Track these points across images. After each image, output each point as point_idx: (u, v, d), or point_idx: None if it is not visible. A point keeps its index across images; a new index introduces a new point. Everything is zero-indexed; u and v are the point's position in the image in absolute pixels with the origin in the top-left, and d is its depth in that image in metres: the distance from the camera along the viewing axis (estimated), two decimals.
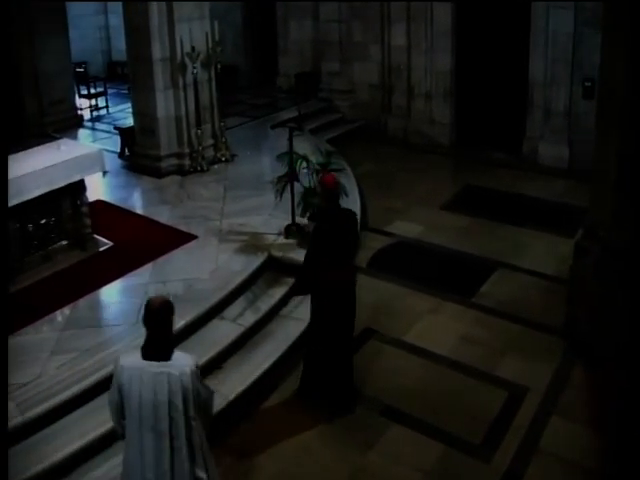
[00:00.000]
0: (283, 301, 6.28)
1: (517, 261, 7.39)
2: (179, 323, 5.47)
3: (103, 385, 4.84)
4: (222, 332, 5.70)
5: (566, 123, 10.30)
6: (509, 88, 10.80)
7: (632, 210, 5.46)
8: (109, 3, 15.50)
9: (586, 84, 9.86)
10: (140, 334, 5.21)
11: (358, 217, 5.32)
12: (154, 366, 3.38)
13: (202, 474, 3.53)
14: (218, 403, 4.98)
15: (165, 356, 3.40)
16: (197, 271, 6.36)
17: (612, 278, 5.54)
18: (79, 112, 12.10)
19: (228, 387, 5.21)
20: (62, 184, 6.42)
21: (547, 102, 10.40)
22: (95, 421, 4.66)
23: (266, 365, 5.47)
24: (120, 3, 9.31)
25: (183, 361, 3.44)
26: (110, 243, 6.94)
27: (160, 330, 3.40)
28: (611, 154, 5.55)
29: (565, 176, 9.92)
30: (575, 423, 5.03)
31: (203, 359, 5.29)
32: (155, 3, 8.63)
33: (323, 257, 4.95)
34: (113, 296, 6.16)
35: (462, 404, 5.22)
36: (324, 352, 5.12)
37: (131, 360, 3.46)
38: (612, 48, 5.48)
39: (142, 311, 3.51)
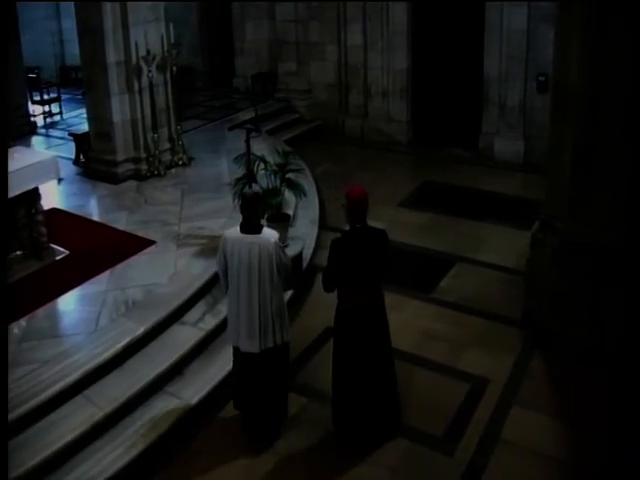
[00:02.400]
0: None
1: (476, 255, 7.49)
2: (138, 330, 5.46)
3: (64, 396, 4.84)
4: (183, 337, 5.65)
5: (521, 118, 10.47)
6: (465, 85, 10.94)
7: (586, 202, 5.58)
8: (62, 7, 15.26)
9: (540, 79, 10.05)
10: (100, 342, 5.26)
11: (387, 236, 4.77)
12: (248, 238, 4.58)
13: (278, 319, 4.70)
14: (180, 409, 5.00)
15: (256, 231, 4.61)
16: (156, 276, 6.30)
17: (568, 268, 5.64)
18: (32, 119, 11.90)
19: (190, 392, 5.18)
20: (16, 193, 6.28)
21: (502, 98, 10.56)
22: (57, 433, 4.58)
23: (228, 368, 5.41)
24: (73, 7, 9.16)
25: (269, 235, 4.63)
26: (67, 252, 6.83)
27: (252, 214, 4.62)
28: (565, 147, 5.65)
29: (521, 170, 10.10)
30: (535, 413, 5.12)
31: (164, 365, 5.29)
32: (109, 7, 8.52)
33: (344, 278, 4.61)
34: (71, 305, 6.06)
35: (424, 399, 5.27)
36: (356, 386, 4.69)
37: (233, 234, 4.67)
38: (565, 43, 5.59)
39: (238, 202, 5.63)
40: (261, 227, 4.68)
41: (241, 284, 4.63)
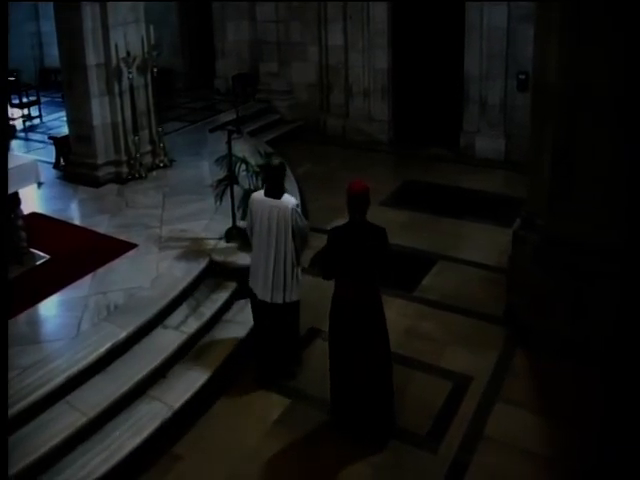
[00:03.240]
0: (226, 306, 6.26)
1: (458, 253, 7.53)
2: (121, 334, 5.43)
3: (46, 402, 4.80)
4: (165, 340, 5.63)
5: (502, 116, 10.55)
6: (446, 83, 11.00)
7: (567, 199, 5.63)
8: (41, 9, 15.14)
9: (520, 77, 10.13)
10: (82, 347, 5.24)
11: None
12: (270, 201, 5.22)
13: (290, 279, 5.30)
14: (163, 413, 4.99)
15: (277, 196, 5.22)
16: (138, 280, 6.28)
17: (550, 265, 5.69)
18: (11, 122, 11.80)
19: (173, 396, 5.16)
20: None
21: (483, 96, 10.63)
22: (40, 440, 4.54)
23: (211, 371, 5.43)
24: (52, 9, 9.09)
25: (287, 202, 5.22)
26: (47, 256, 6.77)
27: (275, 181, 5.27)
28: (546, 144, 5.71)
29: (502, 168, 10.17)
30: (518, 409, 5.14)
31: (147, 369, 5.26)
32: (89, 8, 8.47)
33: (341, 268, 4.71)
34: (52, 310, 6.02)
35: (408, 397, 5.28)
36: (350, 376, 4.79)
37: (258, 196, 5.35)
38: (544, 42, 5.65)
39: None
40: (282, 193, 5.28)
41: (262, 242, 5.30)
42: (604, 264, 5.45)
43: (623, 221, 5.45)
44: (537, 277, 5.78)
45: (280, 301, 5.27)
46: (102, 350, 5.27)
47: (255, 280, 5.39)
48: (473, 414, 5.12)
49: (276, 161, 5.54)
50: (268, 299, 5.30)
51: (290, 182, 8.57)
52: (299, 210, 5.35)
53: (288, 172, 8.90)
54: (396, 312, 6.38)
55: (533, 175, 6.07)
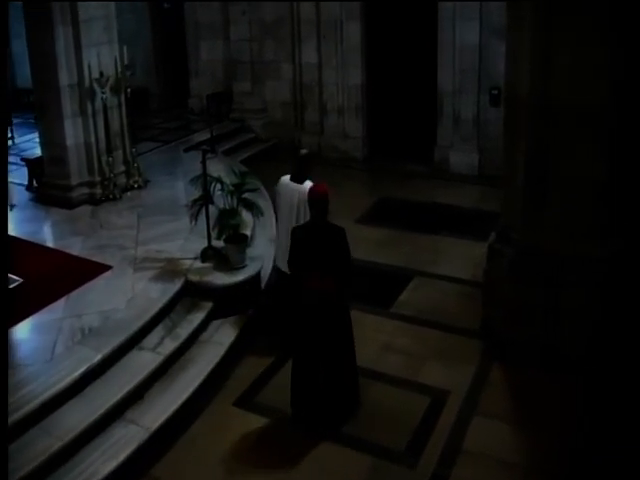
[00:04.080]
0: (202, 326, 6.22)
1: (434, 268, 7.58)
2: (96, 357, 5.37)
3: (20, 428, 4.71)
4: (142, 362, 5.58)
5: (475, 131, 10.67)
6: (419, 99, 11.11)
7: (541, 210, 5.71)
8: (13, 28, 15.01)
9: (493, 92, 10.27)
10: (56, 371, 5.17)
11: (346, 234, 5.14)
12: (293, 185, 5.99)
13: None
14: (140, 435, 4.94)
15: (300, 182, 5.92)
16: (113, 302, 6.22)
17: (526, 277, 5.74)
18: None
19: (150, 418, 5.11)
20: None
21: (456, 111, 10.76)
22: (13, 466, 4.44)
23: (188, 392, 5.40)
24: (24, 28, 9.02)
25: (307, 187, 5.62)
26: (20, 279, 6.68)
27: (300, 169, 6.02)
28: (519, 158, 5.79)
29: (476, 182, 10.27)
30: (496, 422, 5.17)
31: (123, 391, 5.21)
32: (61, 28, 8.44)
33: (306, 264, 5.09)
34: (26, 334, 5.94)
35: (386, 414, 5.29)
36: (313, 364, 5.14)
37: (285, 180, 6.12)
38: (516, 57, 5.74)
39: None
40: (305, 179, 5.93)
41: (284, 219, 6.06)
42: (579, 274, 5.52)
43: (597, 231, 5.54)
44: (513, 289, 5.84)
45: (282, 266, 5.96)
46: (77, 374, 5.21)
47: (278, 253, 6.23)
48: (451, 428, 5.13)
49: (303, 151, 6.37)
50: (283, 268, 5.91)
51: (265, 201, 8.61)
52: None
53: (263, 191, 8.99)
54: (373, 329, 6.41)
55: (507, 188, 6.14)
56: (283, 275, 5.97)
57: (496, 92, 10.11)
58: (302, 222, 5.67)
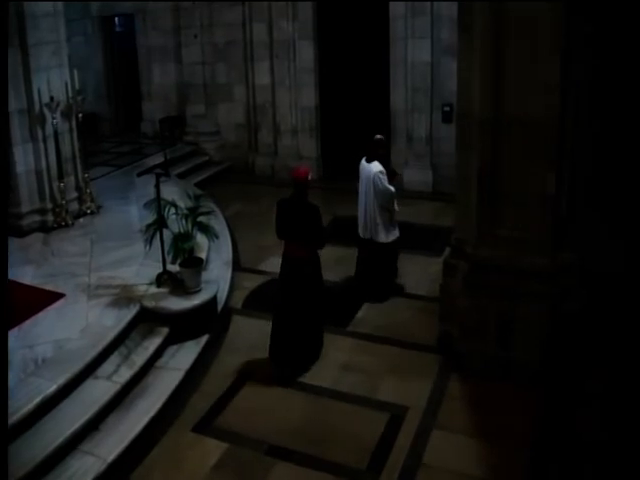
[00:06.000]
0: (159, 352, 6.16)
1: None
2: (50, 388, 5.27)
3: None
4: (97, 392, 5.49)
5: (428, 148, 10.86)
6: (373, 118, 11.22)
7: (494, 224, 5.83)
8: None
9: (445, 109, 10.46)
10: (9, 404, 5.01)
11: (319, 212, 6.04)
12: (366, 165, 7.20)
13: (373, 223, 7.32)
14: (97, 467, 4.84)
15: (370, 162, 7.13)
16: (67, 331, 6.11)
17: (480, 291, 5.84)
18: None
19: (106, 449, 5.02)
20: None
21: (409, 129, 10.93)
22: None
23: (145, 421, 5.33)
24: None
25: (373, 167, 7.09)
26: None
27: (371, 151, 7.18)
28: (471, 173, 5.89)
29: (431, 199, 10.42)
30: (454, 434, 5.24)
31: (78, 422, 5.11)
32: (9, 51, 8.28)
33: (286, 233, 6.04)
34: None
35: (346, 432, 5.30)
36: (288, 316, 6.01)
37: (363, 161, 7.24)
38: (467, 75, 5.85)
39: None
40: (373, 160, 7.12)
41: (360, 193, 7.31)
42: (532, 285, 5.63)
43: (549, 243, 5.66)
44: (467, 303, 5.92)
45: (368, 237, 7.27)
46: (31, 405, 5.09)
47: (359, 224, 7.40)
48: (411, 443, 5.17)
49: (377, 136, 7.31)
50: (361, 235, 7.34)
51: (220, 224, 8.58)
52: (381, 176, 7.07)
53: (218, 213, 9.00)
54: (331, 348, 6.42)
55: (460, 204, 6.24)
56: (362, 241, 7.37)
57: (448, 109, 10.32)
58: (370, 194, 7.10)
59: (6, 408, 3.80)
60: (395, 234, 7.34)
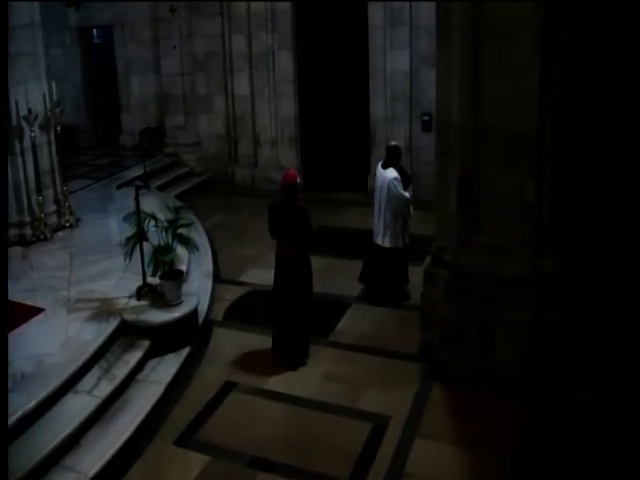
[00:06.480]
0: (139, 365, 6.12)
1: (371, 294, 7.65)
2: (29, 404, 5.21)
3: None
4: (77, 406, 5.43)
5: (408, 157, 10.87)
6: (353, 128, 11.32)
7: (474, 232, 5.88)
8: None
9: (424, 118, 10.54)
10: None
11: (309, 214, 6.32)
12: (382, 171, 7.30)
13: (387, 229, 7.40)
14: None
15: (386, 168, 7.25)
16: (46, 345, 6.04)
17: (461, 298, 5.87)
18: None
19: (87, 464, 4.96)
20: None
21: (389, 139, 10.96)
22: None
23: (126, 435, 5.28)
24: None
25: (388, 174, 7.20)
26: None
27: (387, 158, 7.31)
28: (451, 181, 5.92)
29: None
30: (438, 442, 5.24)
31: (59, 438, 5.06)
32: None
33: (278, 234, 6.32)
34: None
35: (328, 443, 5.29)
36: (283, 313, 6.34)
37: (378, 166, 7.41)
38: (446, 83, 5.89)
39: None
40: (389, 167, 7.22)
41: (375, 198, 7.42)
42: (513, 292, 5.67)
43: (529, 250, 5.71)
44: (448, 310, 5.95)
45: (380, 243, 7.36)
46: (10, 421, 4.99)
47: (374, 230, 7.52)
48: (393, 453, 5.16)
49: (392, 143, 7.57)
50: (375, 241, 7.45)
51: (201, 235, 8.57)
52: (395, 182, 7.16)
53: (199, 225, 8.98)
54: (312, 358, 6.43)
55: (440, 212, 6.27)
56: (376, 246, 7.43)
57: (427, 118, 10.40)
58: (384, 202, 7.25)
59: (6, 409, 3.80)
60: (405, 240, 7.48)
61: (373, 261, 7.54)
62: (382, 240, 7.36)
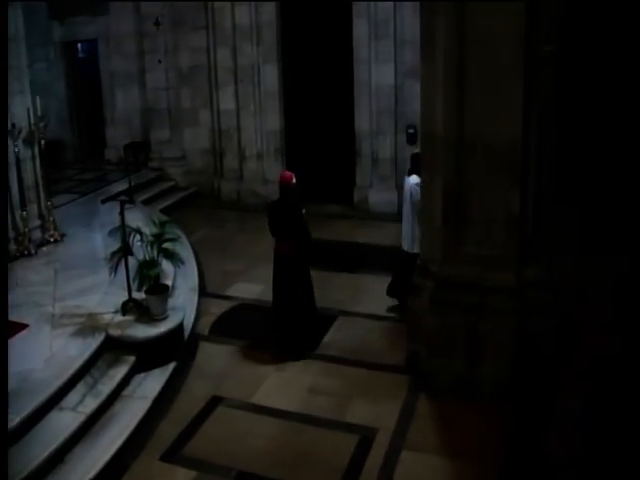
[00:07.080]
0: (125, 381, 6.08)
1: (357, 307, 7.69)
2: (14, 420, 5.15)
3: None
4: (62, 423, 5.38)
5: (393, 169, 10.98)
6: (338, 141, 11.37)
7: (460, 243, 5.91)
8: None
9: (409, 131, 10.61)
10: None
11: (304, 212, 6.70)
12: (407, 178, 7.32)
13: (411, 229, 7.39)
14: None
15: (410, 175, 7.26)
16: (30, 361, 5.98)
17: (446, 309, 5.89)
18: None
19: None
20: None
21: (374, 151, 11.05)
22: None
23: (112, 450, 5.24)
24: None
25: (411, 179, 7.22)
26: None
27: (412, 165, 7.30)
28: (436, 193, 5.96)
29: (396, 220, 10.39)
30: (425, 454, 5.24)
31: (43, 455, 5.00)
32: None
33: (276, 230, 6.68)
34: None
35: (315, 456, 5.27)
36: (282, 307, 6.70)
37: (405, 176, 7.50)
38: (431, 97, 5.92)
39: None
40: (412, 174, 7.25)
41: (403, 206, 7.53)
42: (498, 302, 5.70)
43: (514, 260, 5.74)
44: (434, 322, 5.96)
45: (408, 249, 7.37)
46: None
47: (402, 236, 7.57)
48: (381, 465, 5.15)
49: (415, 151, 7.68)
50: (402, 247, 7.50)
51: (186, 250, 8.55)
52: (417, 188, 7.02)
53: (184, 239, 8.96)
54: (298, 371, 6.43)
55: (426, 223, 6.32)
56: (405, 253, 7.43)
57: (412, 131, 10.47)
58: (408, 204, 7.31)
59: (6, 411, 3.82)
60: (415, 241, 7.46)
61: (402, 272, 7.32)
62: (411, 246, 7.31)
